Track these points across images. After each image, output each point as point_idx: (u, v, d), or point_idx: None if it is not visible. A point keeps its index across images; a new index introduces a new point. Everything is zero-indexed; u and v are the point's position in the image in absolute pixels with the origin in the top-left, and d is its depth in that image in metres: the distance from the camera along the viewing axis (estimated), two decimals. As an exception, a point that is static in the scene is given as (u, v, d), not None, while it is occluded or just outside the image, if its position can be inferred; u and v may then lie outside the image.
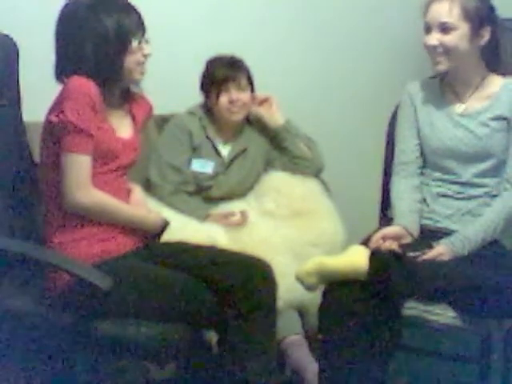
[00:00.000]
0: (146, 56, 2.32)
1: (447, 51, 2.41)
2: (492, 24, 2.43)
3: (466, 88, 2.50)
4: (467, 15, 2.39)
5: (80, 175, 2.20)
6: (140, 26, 2.30)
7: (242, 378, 2.19)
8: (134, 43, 2.27)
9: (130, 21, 2.27)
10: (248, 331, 2.19)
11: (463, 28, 2.39)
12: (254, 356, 2.20)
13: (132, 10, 2.30)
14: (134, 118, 2.42)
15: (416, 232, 2.48)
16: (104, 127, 2.26)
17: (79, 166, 2.20)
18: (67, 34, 2.27)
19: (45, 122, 2.27)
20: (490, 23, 2.42)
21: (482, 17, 2.41)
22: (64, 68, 2.28)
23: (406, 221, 2.48)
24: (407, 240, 2.44)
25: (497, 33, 2.45)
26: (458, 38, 2.40)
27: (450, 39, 2.40)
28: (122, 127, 2.37)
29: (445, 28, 2.40)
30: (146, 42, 2.33)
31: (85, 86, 2.19)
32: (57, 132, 2.20)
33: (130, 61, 2.28)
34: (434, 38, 2.42)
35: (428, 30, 2.44)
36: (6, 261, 2.21)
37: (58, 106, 2.21)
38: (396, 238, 2.43)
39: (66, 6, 2.29)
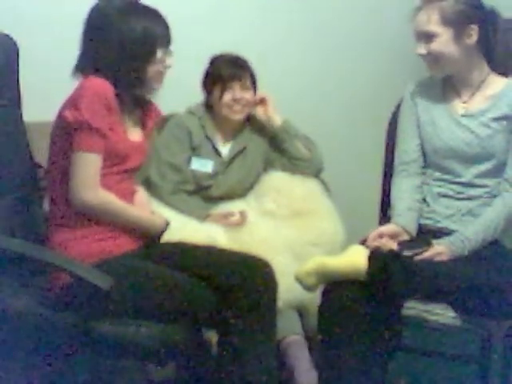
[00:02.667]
0: (166, 67, 2.33)
1: (436, 58, 2.42)
2: (479, 22, 2.41)
3: (468, 88, 2.50)
4: (447, 20, 2.39)
5: (89, 174, 2.19)
6: (166, 37, 2.31)
7: (241, 378, 2.19)
8: (159, 53, 2.29)
9: (157, 30, 2.28)
10: (248, 331, 2.19)
11: (445, 33, 2.39)
12: (253, 356, 2.19)
13: (161, 19, 2.31)
14: (144, 124, 2.42)
15: (413, 231, 2.48)
16: (116, 129, 2.26)
17: (89, 164, 2.19)
18: (94, 34, 2.26)
19: (57, 119, 2.26)
20: (475, 22, 2.41)
21: (463, 17, 2.40)
22: (85, 66, 2.28)
23: (403, 219, 2.48)
24: (404, 237, 2.44)
25: (486, 29, 2.43)
26: (442, 43, 2.40)
27: (434, 47, 2.41)
28: (133, 131, 2.37)
29: (428, 36, 2.41)
30: (170, 54, 2.33)
31: (102, 86, 2.20)
32: (70, 130, 2.19)
33: (152, 70, 2.29)
34: (421, 48, 2.43)
35: (417, 39, 2.46)
36: (6, 260, 2.21)
37: (72, 104, 2.20)
38: (393, 236, 2.43)
39: (97, 4, 2.29)
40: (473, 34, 2.41)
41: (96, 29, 2.26)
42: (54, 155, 2.28)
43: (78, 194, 2.19)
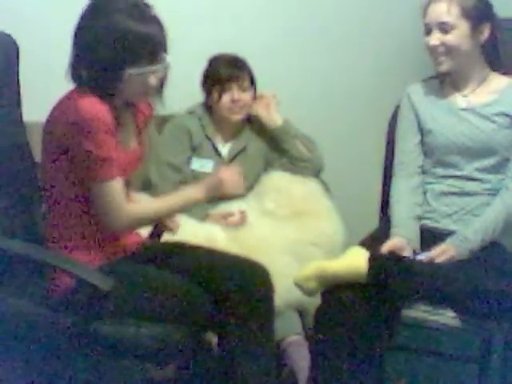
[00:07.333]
0: (148, 87, 2.15)
1: (449, 51, 2.42)
2: (490, 21, 2.44)
3: (468, 84, 2.50)
4: (466, 13, 2.39)
5: (116, 202, 2.14)
6: (140, 55, 2.08)
7: (241, 379, 2.19)
8: (126, 74, 2.08)
9: (126, 47, 2.07)
10: (247, 334, 2.19)
11: (463, 26, 2.40)
12: (252, 358, 2.20)
13: (138, 35, 2.08)
14: (137, 124, 2.37)
15: (417, 244, 2.45)
16: (118, 145, 2.19)
17: (112, 192, 2.13)
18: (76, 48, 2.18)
19: (47, 123, 2.21)
20: (488, 20, 2.43)
21: (480, 14, 2.42)
22: (76, 76, 2.19)
23: (406, 231, 2.45)
24: (408, 251, 2.41)
25: (495, 29, 2.45)
26: (459, 36, 2.40)
27: (450, 38, 2.41)
28: (129, 138, 2.30)
29: (445, 28, 2.41)
30: (154, 72, 2.13)
31: (100, 111, 2.08)
32: (80, 162, 2.12)
33: (126, 92, 2.15)
34: (435, 39, 2.42)
35: (428, 30, 2.45)
36: (6, 261, 2.21)
37: (73, 129, 2.09)
38: (400, 250, 2.40)
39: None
40: (485, 32, 2.42)
41: (76, 37, 2.17)
42: (47, 159, 2.21)
43: (110, 224, 2.16)
